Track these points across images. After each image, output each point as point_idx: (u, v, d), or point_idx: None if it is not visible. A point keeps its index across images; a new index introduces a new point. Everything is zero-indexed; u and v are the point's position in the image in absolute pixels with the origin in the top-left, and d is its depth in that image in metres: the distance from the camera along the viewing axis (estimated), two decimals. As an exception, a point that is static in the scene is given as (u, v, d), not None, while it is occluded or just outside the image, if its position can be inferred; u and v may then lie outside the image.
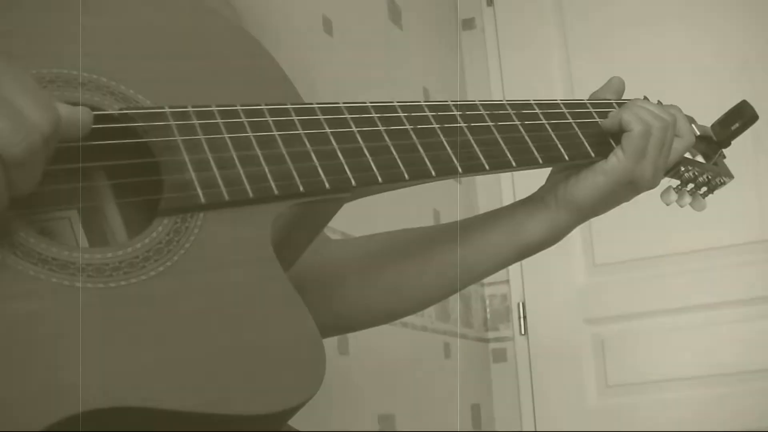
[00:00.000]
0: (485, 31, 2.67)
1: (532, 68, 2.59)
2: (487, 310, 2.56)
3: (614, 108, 0.95)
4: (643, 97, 0.97)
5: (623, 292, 2.41)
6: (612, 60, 2.45)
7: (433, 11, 2.55)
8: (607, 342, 2.42)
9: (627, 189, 0.91)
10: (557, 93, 2.51)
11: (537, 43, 2.60)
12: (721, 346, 2.29)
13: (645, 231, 2.27)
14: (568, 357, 2.44)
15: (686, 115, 1.01)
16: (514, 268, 2.48)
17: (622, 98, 0.99)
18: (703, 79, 2.37)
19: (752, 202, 2.32)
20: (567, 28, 2.57)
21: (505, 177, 2.49)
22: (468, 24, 2.70)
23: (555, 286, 2.47)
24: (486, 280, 2.52)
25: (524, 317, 2.52)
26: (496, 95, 2.61)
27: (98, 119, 0.63)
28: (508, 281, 2.53)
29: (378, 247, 0.98)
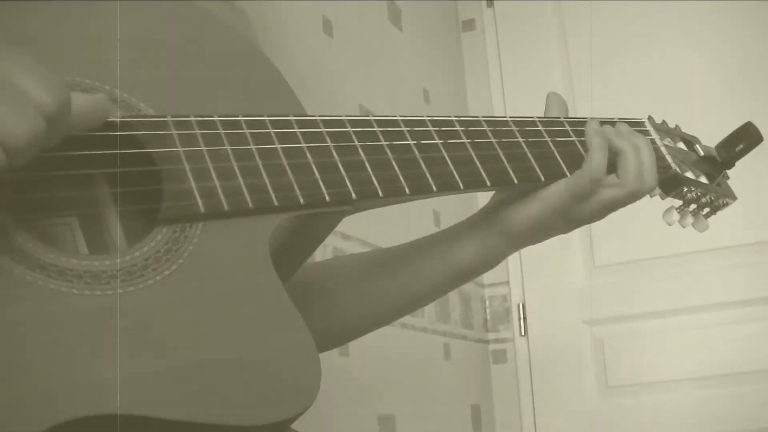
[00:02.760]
0: (485, 32, 2.67)
1: (532, 69, 2.58)
2: (487, 311, 2.55)
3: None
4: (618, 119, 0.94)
5: (623, 293, 2.41)
6: (612, 61, 2.45)
7: (433, 12, 2.55)
8: (607, 343, 2.42)
9: (561, 219, 0.87)
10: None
11: (537, 43, 2.59)
12: (721, 347, 2.29)
13: (645, 232, 2.26)
14: (568, 358, 2.44)
15: (691, 135, 1.00)
16: (514, 269, 2.48)
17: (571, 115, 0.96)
18: (703, 84, 2.37)
19: (752, 203, 2.31)
20: (567, 28, 2.57)
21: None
22: (468, 25, 2.70)
23: (555, 288, 2.47)
24: (486, 281, 2.52)
25: (524, 318, 2.52)
26: (496, 96, 2.61)
27: (100, 127, 0.63)
28: (508, 282, 2.53)
29: (321, 274, 0.96)
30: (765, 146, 2.38)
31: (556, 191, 0.85)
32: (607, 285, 2.43)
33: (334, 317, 0.94)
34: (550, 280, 2.45)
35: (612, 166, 0.87)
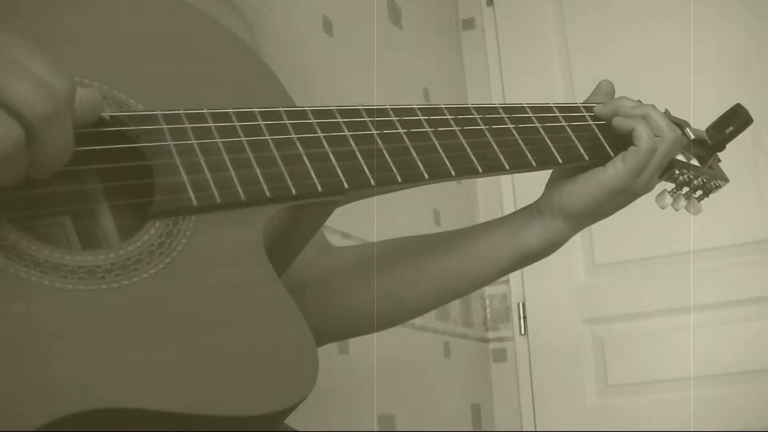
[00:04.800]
0: (485, 31, 2.67)
1: (532, 68, 2.58)
2: (487, 309, 2.56)
3: None
4: (637, 100, 0.97)
5: (623, 292, 2.41)
6: (612, 59, 2.45)
7: (433, 11, 2.55)
8: (607, 342, 2.42)
9: (622, 197, 0.91)
10: (557, 92, 2.51)
11: (537, 42, 2.60)
12: (721, 346, 2.29)
13: (645, 231, 2.26)
14: (568, 357, 2.44)
15: (680, 119, 1.01)
16: (514, 268, 2.48)
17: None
18: (703, 79, 2.37)
19: (752, 202, 2.31)
20: (567, 27, 2.57)
21: (504, 176, 2.49)
22: (468, 24, 2.70)
23: (555, 286, 2.47)
24: (486, 280, 2.52)
25: (524, 317, 2.52)
26: (496, 95, 2.61)
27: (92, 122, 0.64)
28: (508, 281, 2.53)
29: (376, 253, 0.99)
30: (765, 146, 2.38)
31: (614, 173, 0.89)
32: (607, 284, 2.43)
33: (392, 297, 0.96)
34: (550, 279, 2.45)
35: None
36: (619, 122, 0.91)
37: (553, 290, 2.47)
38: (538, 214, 0.93)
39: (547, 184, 0.95)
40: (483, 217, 2.54)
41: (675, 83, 2.36)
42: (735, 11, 2.40)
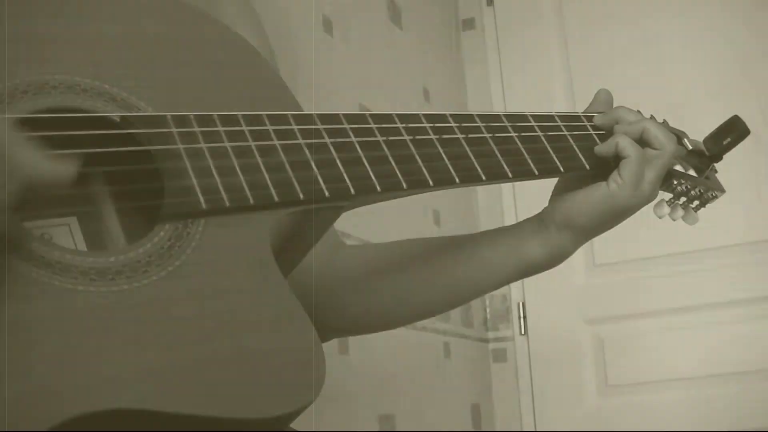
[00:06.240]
0: (485, 31, 2.67)
1: (531, 68, 2.58)
2: (487, 310, 2.56)
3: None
4: (637, 111, 0.97)
5: (623, 292, 2.41)
6: (612, 59, 2.45)
7: (433, 11, 2.55)
8: (607, 342, 2.42)
9: (627, 210, 0.91)
10: (557, 93, 2.51)
11: (537, 42, 2.60)
12: (721, 346, 2.29)
13: (645, 231, 2.26)
14: (568, 357, 2.44)
15: (678, 130, 1.02)
16: (514, 268, 2.48)
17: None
18: (703, 80, 2.38)
19: (752, 203, 2.32)
20: (567, 27, 2.57)
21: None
22: (468, 24, 2.70)
23: (555, 286, 2.47)
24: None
25: (524, 317, 2.52)
26: (496, 95, 2.61)
27: (100, 125, 0.64)
28: (508, 281, 2.53)
29: (386, 256, 1.00)
30: (765, 146, 2.38)
31: (616, 187, 0.89)
32: (607, 284, 2.43)
33: (401, 300, 0.97)
34: (550, 278, 2.43)
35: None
36: (602, 149, 0.92)
37: (553, 290, 2.47)
38: (543, 227, 0.94)
39: (552, 196, 0.96)
40: (483, 218, 2.54)
41: (675, 84, 2.36)
42: (735, 11, 2.41)
